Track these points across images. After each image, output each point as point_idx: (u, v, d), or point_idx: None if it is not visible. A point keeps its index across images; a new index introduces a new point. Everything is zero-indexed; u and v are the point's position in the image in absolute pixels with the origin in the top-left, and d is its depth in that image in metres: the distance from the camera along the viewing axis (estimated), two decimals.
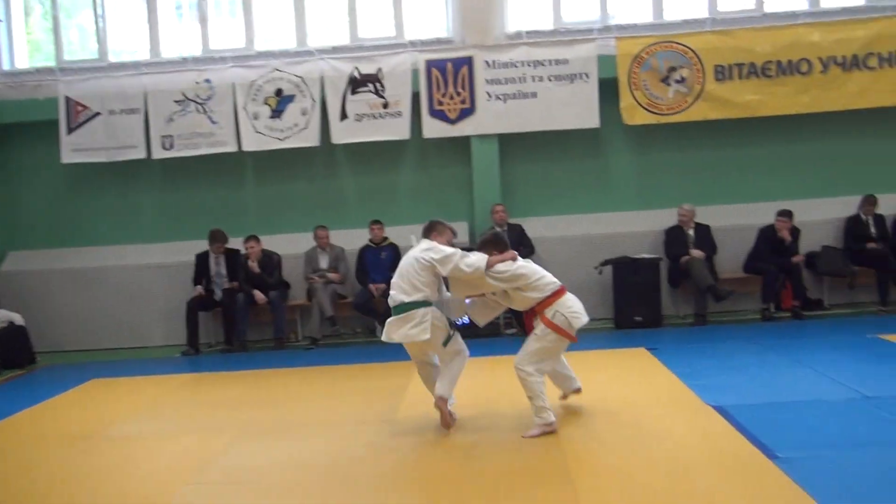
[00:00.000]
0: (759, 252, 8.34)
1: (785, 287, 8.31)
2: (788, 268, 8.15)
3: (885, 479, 3.68)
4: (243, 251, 8.50)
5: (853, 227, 8.44)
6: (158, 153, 8.95)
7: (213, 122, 8.87)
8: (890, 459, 3.93)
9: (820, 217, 8.68)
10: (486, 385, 6.19)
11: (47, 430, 5.61)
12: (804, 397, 5.14)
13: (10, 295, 8.76)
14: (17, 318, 8.21)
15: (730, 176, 8.93)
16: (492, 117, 8.73)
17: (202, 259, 8.63)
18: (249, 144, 8.88)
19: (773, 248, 8.24)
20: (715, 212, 8.68)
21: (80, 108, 8.96)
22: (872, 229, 8.36)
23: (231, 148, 8.88)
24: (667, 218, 8.65)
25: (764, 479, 3.79)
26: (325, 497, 3.92)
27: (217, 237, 8.54)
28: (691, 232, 8.40)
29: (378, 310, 8.42)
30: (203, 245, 8.65)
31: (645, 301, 8.21)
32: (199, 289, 8.48)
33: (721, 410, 4.92)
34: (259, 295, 8.31)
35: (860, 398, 5.03)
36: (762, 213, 8.44)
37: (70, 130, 8.96)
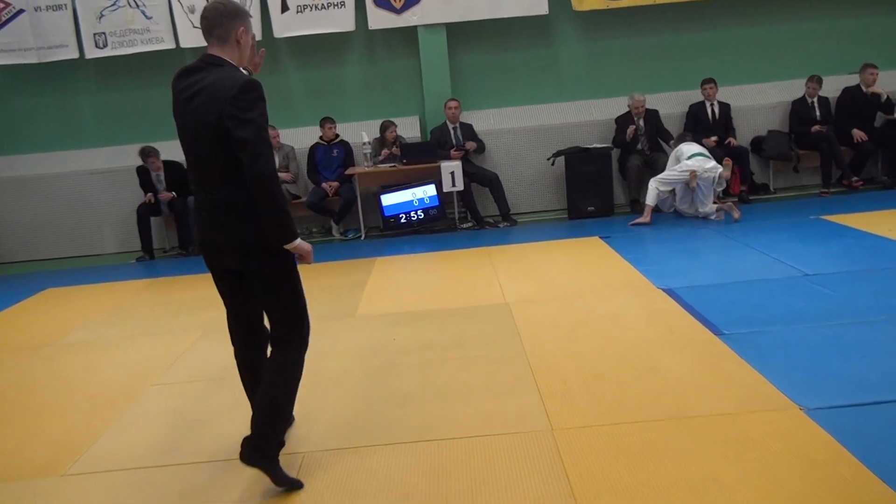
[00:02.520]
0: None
1: (732, 171, 8.49)
2: (733, 153, 8.30)
3: (822, 350, 3.91)
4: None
5: (798, 110, 8.57)
6: (92, 52, 8.53)
7: (148, 18, 8.45)
8: (827, 331, 4.17)
9: (765, 101, 8.80)
10: (448, 279, 6.30)
11: (4, 339, 5.57)
12: (749, 277, 5.36)
13: None
14: None
15: (678, 62, 8.92)
16: (439, 5, 8.48)
17: (143, 172, 8.35)
18: (187, 41, 8.51)
19: (706, 126, 8.41)
20: (663, 99, 8.71)
21: (2, 5, 8.42)
22: (817, 112, 8.51)
23: (168, 45, 8.50)
24: (619, 107, 8.66)
25: (711, 354, 4.00)
26: None
27: (149, 153, 8.22)
28: (640, 121, 8.44)
29: (332, 208, 8.40)
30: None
31: (597, 191, 8.31)
32: (150, 196, 8.25)
33: (671, 293, 5.12)
34: None
35: (801, 276, 5.27)
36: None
37: None
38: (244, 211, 2.85)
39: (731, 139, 8.31)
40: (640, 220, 7.62)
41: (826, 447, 2.94)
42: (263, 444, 2.95)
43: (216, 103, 2.79)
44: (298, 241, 2.91)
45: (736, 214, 7.32)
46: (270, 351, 3.07)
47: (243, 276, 3.02)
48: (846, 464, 2.80)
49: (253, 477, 3.08)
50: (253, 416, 3.00)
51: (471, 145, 8.35)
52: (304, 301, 3.06)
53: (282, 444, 3.06)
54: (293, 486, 3.01)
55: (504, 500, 2.77)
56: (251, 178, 2.77)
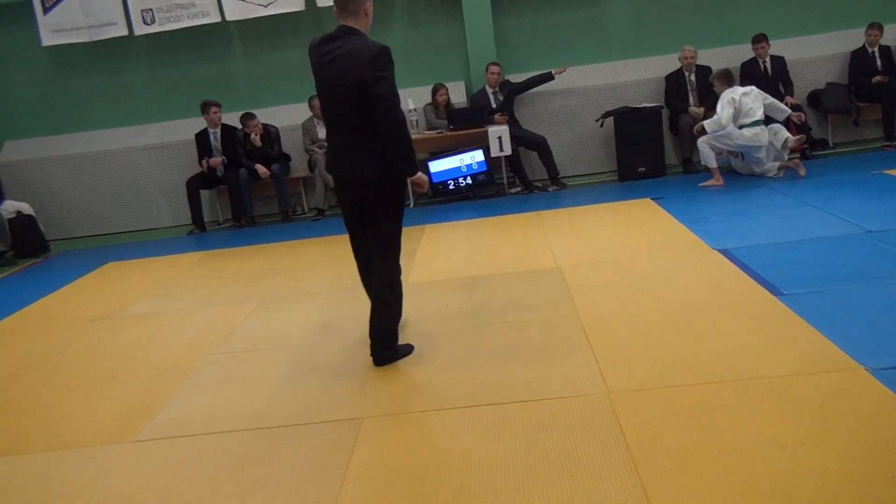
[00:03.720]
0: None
1: (790, 127, 8.23)
2: (793, 106, 8.04)
3: (887, 309, 3.79)
4: (241, 129, 8.39)
5: (858, 60, 8.24)
6: (140, 29, 8.66)
7: None
8: (892, 289, 4.04)
9: (822, 53, 8.46)
10: (498, 245, 6.29)
11: (71, 312, 5.77)
12: (808, 236, 5.21)
13: (13, 185, 8.74)
14: (26, 208, 8.23)
15: (728, 14, 8.62)
16: None
17: (202, 137, 8.51)
18: (232, 13, 8.56)
19: (761, 83, 8.11)
20: (714, 55, 8.45)
21: None
22: (878, 62, 8.16)
23: (214, 18, 8.57)
24: (667, 64, 8.44)
25: (769, 315, 3.91)
26: (348, 357, 4.08)
27: (209, 104, 8.34)
28: (693, 77, 8.22)
29: None
30: (198, 124, 8.52)
31: (648, 151, 8.16)
32: (217, 160, 8.34)
33: (726, 253, 5.02)
34: (262, 169, 8.29)
35: (863, 233, 5.11)
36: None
37: (46, 10, 8.64)
38: (376, 151, 3.58)
39: (788, 98, 7.98)
40: (712, 182, 7.34)
41: (894, 408, 2.86)
42: (384, 345, 3.86)
43: (354, 65, 3.49)
44: (419, 173, 3.74)
45: (802, 171, 7.07)
46: (377, 276, 3.82)
47: (364, 210, 3.73)
48: None
49: (311, 442, 3.16)
50: (372, 329, 3.83)
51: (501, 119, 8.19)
52: (401, 232, 3.82)
53: (397, 337, 3.94)
54: (410, 351, 3.96)
55: (562, 462, 2.78)
56: (386, 124, 3.51)
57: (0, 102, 9.21)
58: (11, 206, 8.17)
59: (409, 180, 3.75)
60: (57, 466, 3.30)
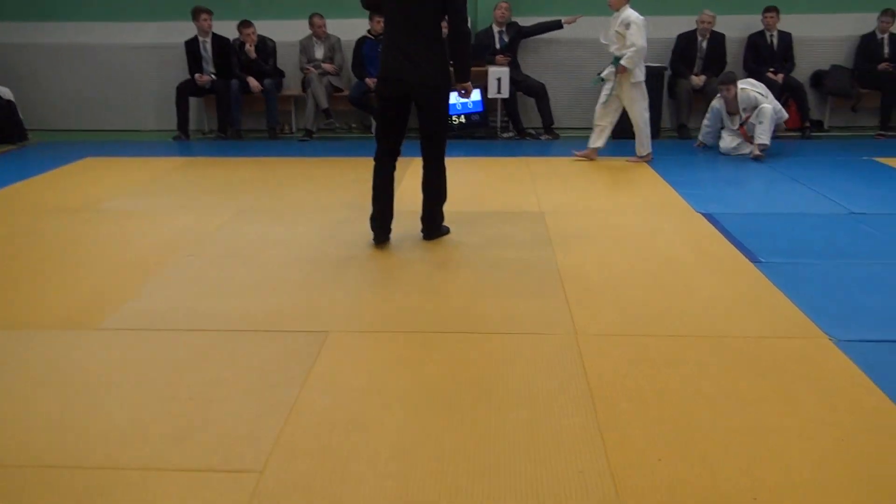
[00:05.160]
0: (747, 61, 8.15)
1: (787, 106, 8.19)
2: (794, 85, 7.99)
3: (860, 286, 3.83)
4: (237, 37, 8.17)
5: (866, 45, 8.16)
6: None
7: None
8: (867, 269, 4.07)
9: (832, 34, 8.36)
10: (484, 185, 6.24)
11: (44, 201, 5.67)
12: (793, 210, 5.22)
13: None
14: (6, 93, 8.01)
15: None
16: None
17: (192, 45, 8.26)
18: None
19: (763, 57, 8.05)
20: (727, 22, 8.31)
21: None
22: (886, 49, 8.09)
23: None
24: (681, 26, 8.29)
25: (744, 279, 3.93)
26: (320, 272, 4.06)
27: (201, 10, 8.08)
28: (704, 43, 8.10)
29: (374, 104, 8.27)
30: (194, 28, 8.27)
31: None
32: (206, 78, 8.14)
33: (710, 217, 5.02)
34: (254, 82, 8.11)
35: (846, 214, 5.12)
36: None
37: None
38: (440, 55, 4.17)
39: (782, 74, 7.90)
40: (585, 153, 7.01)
41: (853, 377, 2.89)
42: (435, 224, 4.57)
43: None
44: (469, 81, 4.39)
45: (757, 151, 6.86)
46: (428, 165, 4.43)
47: (406, 108, 4.29)
48: (871, 395, 2.77)
49: (275, 348, 3.15)
50: (425, 211, 4.54)
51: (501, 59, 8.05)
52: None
53: (443, 219, 4.65)
54: (448, 231, 4.67)
55: (521, 393, 2.79)
56: (457, 34, 4.19)
57: None
58: None
59: (458, 85, 4.39)
60: (13, 344, 3.27)
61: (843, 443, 2.47)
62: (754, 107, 6.82)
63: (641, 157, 6.85)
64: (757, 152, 6.77)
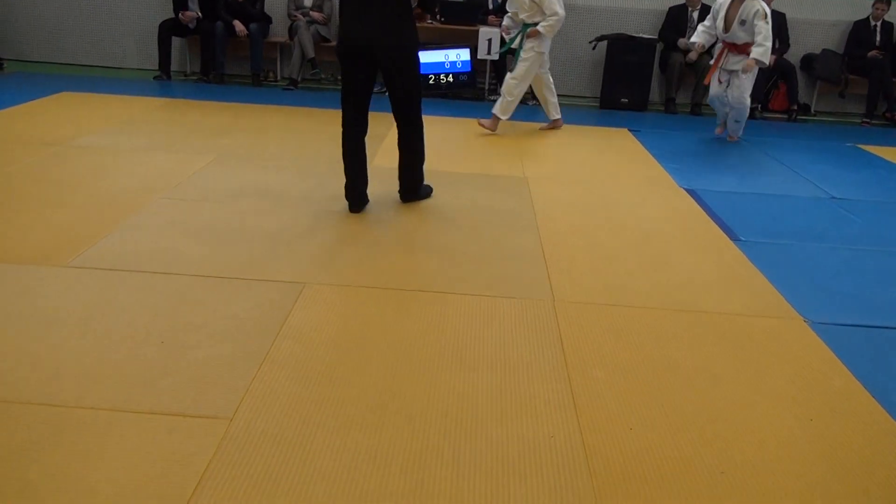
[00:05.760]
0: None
1: (777, 87, 8.19)
2: (785, 67, 7.98)
3: (837, 270, 3.86)
4: None
5: (858, 31, 8.15)
6: None
7: None
8: (845, 253, 4.11)
9: (825, 17, 8.34)
10: (467, 147, 6.18)
11: (16, 133, 5.51)
12: (775, 192, 5.24)
13: None
14: None
15: None
16: None
17: None
18: None
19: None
20: None
21: None
22: (878, 36, 8.09)
23: None
24: None
25: (723, 256, 3.95)
26: (295, 223, 4.00)
27: None
28: (695, 14, 8.04)
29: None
30: None
31: (634, 83, 8.02)
32: (191, 15, 7.93)
33: (693, 193, 5.02)
34: (239, 25, 7.91)
35: (828, 198, 5.15)
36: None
37: None
38: (406, 18, 4.00)
39: (774, 56, 7.81)
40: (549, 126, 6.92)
41: (823, 359, 2.93)
42: (414, 186, 4.44)
43: None
44: None
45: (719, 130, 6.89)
46: (403, 128, 4.27)
47: (372, 71, 4.09)
48: (840, 376, 2.80)
49: (250, 297, 3.11)
50: (402, 173, 4.40)
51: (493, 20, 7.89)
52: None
53: (422, 180, 4.51)
54: (430, 193, 4.60)
55: (495, 356, 2.78)
56: None
57: None
58: None
59: None
60: None
61: (810, 422, 2.50)
62: (752, 25, 6.20)
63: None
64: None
